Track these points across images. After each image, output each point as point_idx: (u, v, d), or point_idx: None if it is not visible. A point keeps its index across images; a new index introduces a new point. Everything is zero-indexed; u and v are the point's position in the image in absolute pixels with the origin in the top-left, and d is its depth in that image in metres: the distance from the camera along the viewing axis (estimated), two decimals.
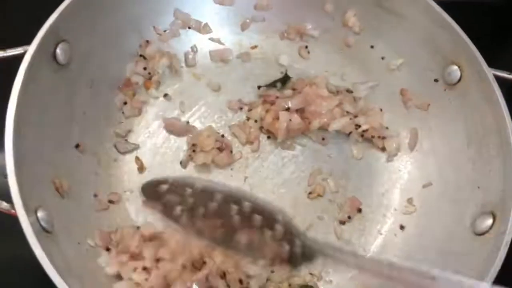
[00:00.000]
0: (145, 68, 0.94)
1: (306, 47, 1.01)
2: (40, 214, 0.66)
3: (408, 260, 0.83)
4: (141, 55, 0.94)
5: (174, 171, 0.89)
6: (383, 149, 0.94)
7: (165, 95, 0.95)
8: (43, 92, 0.74)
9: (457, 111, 0.87)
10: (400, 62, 0.95)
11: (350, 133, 0.93)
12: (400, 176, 0.93)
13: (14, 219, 0.62)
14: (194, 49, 0.99)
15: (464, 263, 0.75)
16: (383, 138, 0.94)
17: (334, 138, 0.95)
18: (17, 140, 0.66)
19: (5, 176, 0.64)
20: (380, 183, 0.93)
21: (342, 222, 0.88)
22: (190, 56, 0.99)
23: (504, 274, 0.69)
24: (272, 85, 0.97)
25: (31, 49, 0.71)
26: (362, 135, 0.93)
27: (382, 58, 0.97)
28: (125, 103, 0.92)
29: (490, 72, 0.80)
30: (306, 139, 0.95)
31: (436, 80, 0.90)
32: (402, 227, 0.88)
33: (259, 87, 0.97)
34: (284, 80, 0.98)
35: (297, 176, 0.92)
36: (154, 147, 0.91)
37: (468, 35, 0.84)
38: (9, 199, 0.64)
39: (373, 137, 0.93)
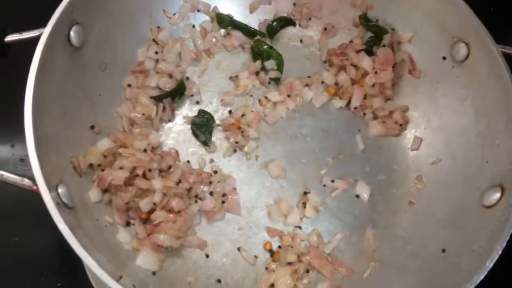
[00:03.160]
0: (156, 53, 0.95)
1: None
2: (60, 190, 0.68)
3: (417, 233, 0.85)
4: (153, 40, 0.96)
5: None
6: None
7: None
8: (59, 73, 0.76)
9: (465, 88, 0.88)
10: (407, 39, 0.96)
11: (364, 114, 0.96)
12: (409, 154, 0.94)
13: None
14: (202, 32, 1.00)
15: (473, 236, 0.76)
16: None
17: (343, 117, 0.97)
18: (36, 119, 0.68)
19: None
20: (389, 161, 0.94)
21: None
22: (199, 40, 1.00)
23: None
24: None
25: (46, 31, 0.73)
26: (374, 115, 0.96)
27: None
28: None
29: (497, 48, 0.81)
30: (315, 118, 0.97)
31: (444, 58, 0.91)
32: (411, 203, 0.90)
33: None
34: None
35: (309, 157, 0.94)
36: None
37: (476, 12, 0.84)
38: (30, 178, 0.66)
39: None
